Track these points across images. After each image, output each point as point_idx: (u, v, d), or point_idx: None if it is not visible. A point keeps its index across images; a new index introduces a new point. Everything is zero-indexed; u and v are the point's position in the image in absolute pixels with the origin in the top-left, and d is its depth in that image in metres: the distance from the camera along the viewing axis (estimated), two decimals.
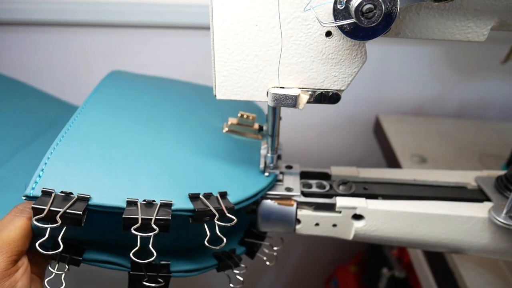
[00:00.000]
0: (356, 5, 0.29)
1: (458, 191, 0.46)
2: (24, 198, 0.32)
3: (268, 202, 0.44)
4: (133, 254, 0.33)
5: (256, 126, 0.54)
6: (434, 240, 0.43)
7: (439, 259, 0.64)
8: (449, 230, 0.42)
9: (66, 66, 1.03)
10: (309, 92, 0.38)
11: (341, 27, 0.31)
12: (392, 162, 0.88)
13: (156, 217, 0.33)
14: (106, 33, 0.99)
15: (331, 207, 0.43)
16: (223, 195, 0.39)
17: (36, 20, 0.95)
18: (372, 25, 0.30)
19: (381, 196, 0.45)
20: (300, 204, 0.44)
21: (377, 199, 0.44)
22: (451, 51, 1.03)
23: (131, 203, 0.34)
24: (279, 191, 0.45)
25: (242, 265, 0.44)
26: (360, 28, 0.31)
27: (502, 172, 0.47)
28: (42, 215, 0.31)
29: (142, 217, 0.33)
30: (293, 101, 0.37)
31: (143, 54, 1.02)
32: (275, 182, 0.46)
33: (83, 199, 0.33)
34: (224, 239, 0.37)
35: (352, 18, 0.30)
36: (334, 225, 0.44)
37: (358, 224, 0.43)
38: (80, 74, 1.04)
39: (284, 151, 0.49)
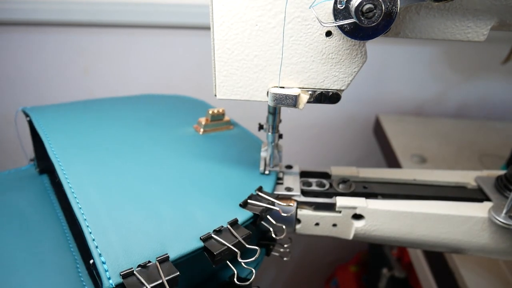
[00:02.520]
0: (356, 5, 0.29)
1: (458, 191, 0.46)
2: None
3: None
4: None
5: (227, 118, 0.54)
6: (434, 240, 0.43)
7: (439, 259, 0.64)
8: (449, 230, 0.42)
9: (66, 66, 1.03)
10: (309, 92, 0.38)
11: (341, 27, 0.31)
12: (392, 162, 0.88)
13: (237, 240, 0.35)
14: (106, 33, 0.99)
15: (331, 207, 0.43)
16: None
17: (36, 20, 0.95)
18: (372, 25, 0.30)
19: (381, 195, 0.45)
20: (300, 204, 0.44)
21: (377, 198, 0.44)
22: (451, 51, 1.03)
23: (206, 239, 0.34)
24: (279, 191, 0.45)
25: (282, 237, 0.44)
26: (360, 28, 0.31)
27: (502, 172, 0.47)
28: None
29: (228, 245, 0.34)
30: (293, 101, 0.37)
31: (143, 54, 1.02)
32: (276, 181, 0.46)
33: (164, 259, 0.31)
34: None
35: (352, 18, 0.30)
36: (334, 225, 0.44)
37: (358, 224, 0.43)
38: (80, 74, 1.04)
39: (284, 151, 0.49)
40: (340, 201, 0.43)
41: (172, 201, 0.38)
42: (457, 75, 1.06)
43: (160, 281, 0.29)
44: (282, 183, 0.46)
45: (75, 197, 0.36)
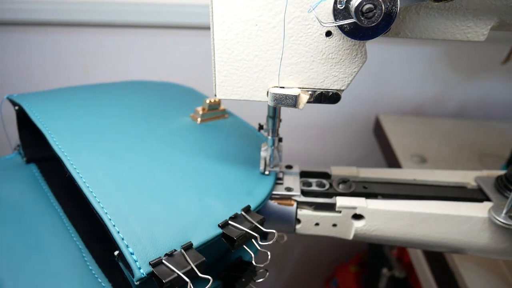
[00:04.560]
0: (356, 5, 0.29)
1: (458, 191, 0.46)
2: (138, 283, 0.30)
3: (268, 202, 0.44)
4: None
5: (223, 107, 0.56)
6: (434, 240, 0.43)
7: (439, 259, 0.64)
8: (449, 230, 0.42)
9: (66, 66, 1.03)
10: (309, 92, 0.38)
11: (341, 27, 0.31)
12: (392, 162, 0.88)
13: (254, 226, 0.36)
14: (106, 33, 0.99)
15: (331, 207, 0.43)
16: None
17: (36, 20, 0.95)
18: (372, 25, 0.30)
19: (381, 195, 0.45)
20: (300, 204, 0.44)
21: (377, 198, 0.44)
22: (451, 51, 1.03)
23: (224, 225, 0.36)
24: (279, 191, 0.45)
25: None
26: (360, 28, 0.31)
27: (502, 172, 0.47)
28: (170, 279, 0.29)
29: (246, 229, 0.36)
30: (293, 101, 0.37)
31: (143, 54, 1.02)
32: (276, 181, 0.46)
33: (188, 247, 0.32)
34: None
35: (352, 18, 0.30)
36: (334, 225, 0.44)
37: (358, 224, 0.43)
38: (80, 74, 1.04)
39: (284, 151, 0.49)
40: (340, 201, 0.43)
41: (185, 191, 0.39)
42: (457, 75, 1.06)
43: (190, 267, 0.30)
44: (282, 183, 0.46)
45: (92, 192, 0.35)
